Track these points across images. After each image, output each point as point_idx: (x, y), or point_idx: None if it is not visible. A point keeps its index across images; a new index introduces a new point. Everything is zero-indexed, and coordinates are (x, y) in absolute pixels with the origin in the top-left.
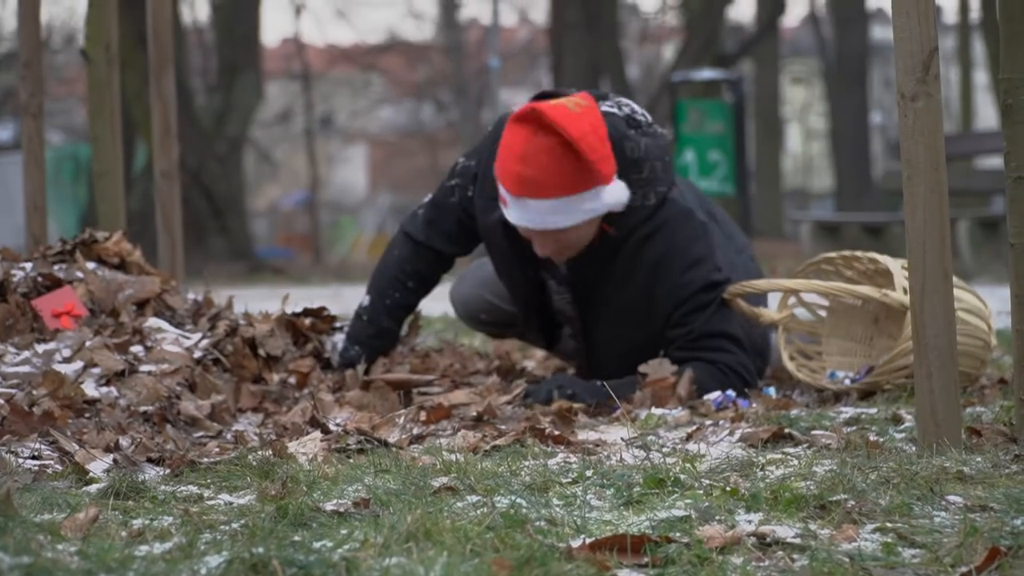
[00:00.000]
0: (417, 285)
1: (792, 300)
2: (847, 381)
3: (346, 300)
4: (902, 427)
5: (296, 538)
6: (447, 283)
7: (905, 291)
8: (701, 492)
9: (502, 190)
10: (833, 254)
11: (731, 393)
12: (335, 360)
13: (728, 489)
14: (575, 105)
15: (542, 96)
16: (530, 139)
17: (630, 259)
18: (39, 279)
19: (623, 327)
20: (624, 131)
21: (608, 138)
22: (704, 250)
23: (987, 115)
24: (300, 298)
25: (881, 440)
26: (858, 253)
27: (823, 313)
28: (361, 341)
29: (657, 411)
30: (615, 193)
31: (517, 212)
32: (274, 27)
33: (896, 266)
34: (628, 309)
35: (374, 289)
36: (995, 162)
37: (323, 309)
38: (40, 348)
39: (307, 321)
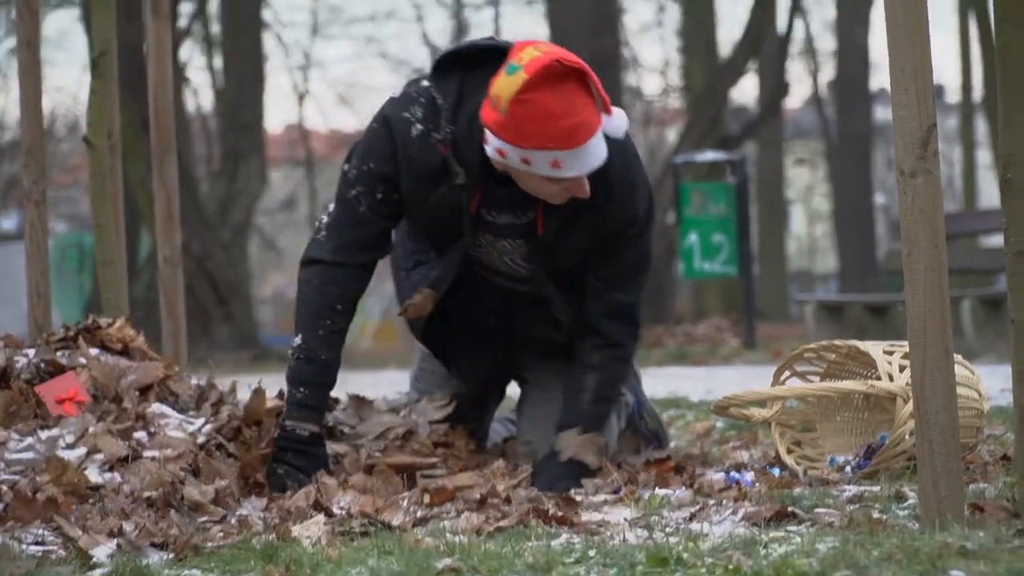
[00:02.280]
0: (345, 307)
1: (782, 390)
2: (848, 469)
3: (351, 386)
4: (905, 504)
5: None
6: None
7: (890, 377)
8: (704, 570)
9: (547, 156)
10: (813, 345)
11: (734, 474)
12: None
13: (731, 567)
14: (547, 45)
15: (477, 47)
16: (561, 90)
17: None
18: (42, 365)
19: (562, 278)
20: None
21: None
22: (643, 193)
23: (990, 194)
24: None
25: (884, 517)
26: (836, 342)
27: (812, 400)
28: (305, 381)
29: (660, 491)
30: (621, 121)
31: (575, 163)
32: (277, 113)
33: (878, 351)
34: (572, 251)
35: (303, 327)
36: (998, 240)
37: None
38: (43, 434)
39: None
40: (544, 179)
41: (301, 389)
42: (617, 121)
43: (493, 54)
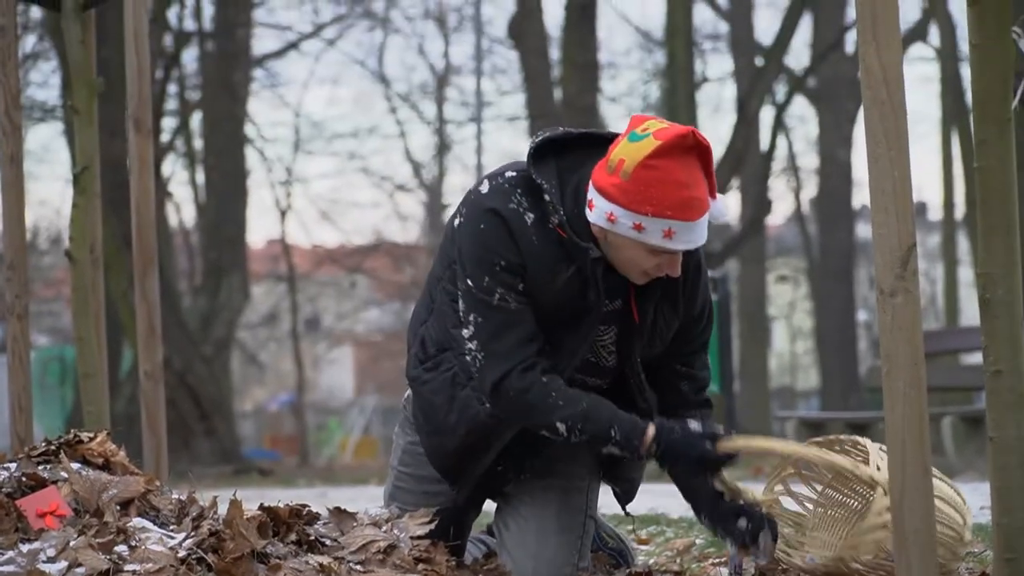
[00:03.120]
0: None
1: (779, 488)
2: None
3: (333, 501)
4: None
5: None
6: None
7: (879, 468)
8: None
9: (663, 224)
10: (819, 439)
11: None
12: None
13: None
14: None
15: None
16: (687, 162)
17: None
18: (23, 479)
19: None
20: None
21: None
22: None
23: (972, 311)
24: (286, 499)
25: None
26: (842, 436)
27: (810, 506)
28: (607, 421)
29: None
30: (725, 206)
31: (686, 236)
32: (260, 228)
33: (876, 448)
34: (657, 335)
35: (561, 410)
36: (978, 358)
37: (306, 506)
38: (24, 548)
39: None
40: (648, 251)
41: (612, 429)
42: (720, 206)
43: (582, 141)
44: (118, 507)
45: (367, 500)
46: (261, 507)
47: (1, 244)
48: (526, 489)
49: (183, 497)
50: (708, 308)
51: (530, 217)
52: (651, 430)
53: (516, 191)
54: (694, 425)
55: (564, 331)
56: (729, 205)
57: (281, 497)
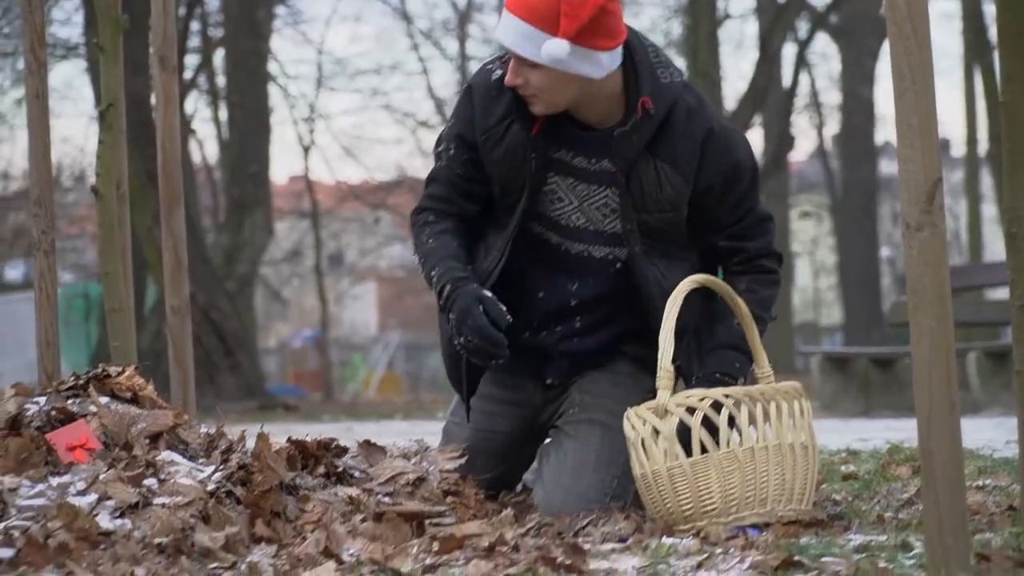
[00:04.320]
0: (437, 219)
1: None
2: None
3: (358, 436)
4: (911, 554)
5: None
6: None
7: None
8: None
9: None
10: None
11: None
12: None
13: None
14: None
15: None
16: None
17: (677, 136)
18: (53, 413)
19: (654, 235)
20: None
21: (602, 8)
22: (742, 138)
23: (996, 247)
24: (312, 434)
25: (890, 567)
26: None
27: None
28: (431, 264)
29: (668, 540)
30: (553, 46)
31: (501, 26)
32: (283, 165)
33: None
34: (669, 206)
35: (417, 249)
36: (1004, 293)
37: (334, 440)
38: (54, 481)
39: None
40: None
41: (435, 269)
42: (554, 45)
43: None
44: (147, 441)
45: (393, 435)
46: (289, 440)
47: (25, 181)
48: (572, 423)
49: (211, 431)
50: (739, 182)
51: (496, 73)
52: (448, 288)
53: (503, 55)
54: (492, 308)
55: (514, 199)
56: (559, 51)
57: (307, 432)
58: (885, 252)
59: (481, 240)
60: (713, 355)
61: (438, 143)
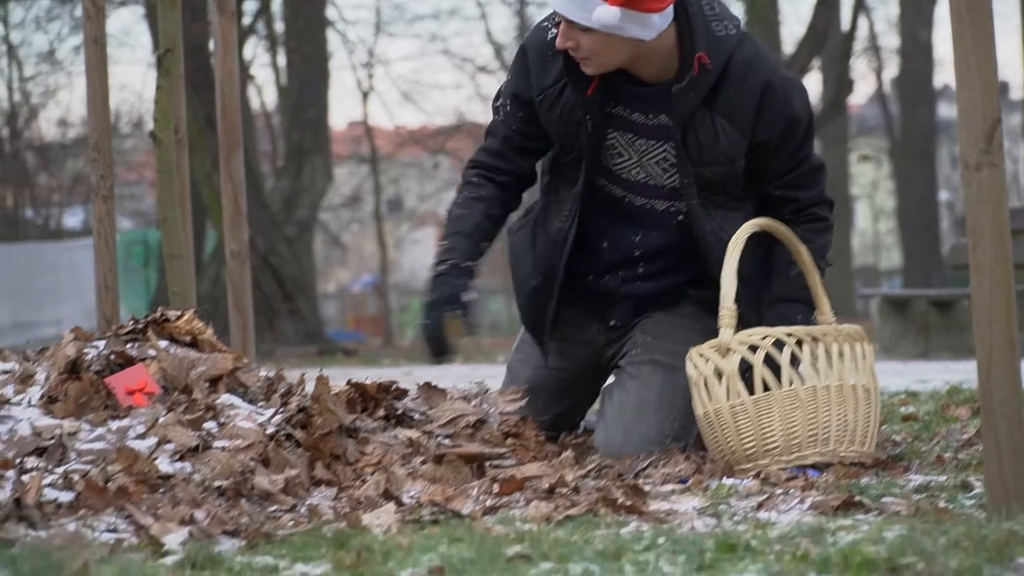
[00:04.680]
0: (482, 179)
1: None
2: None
3: (418, 379)
4: (971, 493)
5: None
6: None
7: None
8: (772, 557)
9: None
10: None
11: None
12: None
13: (799, 555)
14: None
15: None
16: None
17: (734, 90)
18: (112, 357)
19: (713, 188)
20: None
21: None
22: (799, 87)
23: None
24: (372, 377)
25: (951, 506)
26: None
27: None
28: (445, 235)
29: (728, 481)
30: (603, 12)
31: None
32: (342, 110)
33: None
34: (727, 159)
35: (451, 233)
36: None
37: (394, 383)
38: (114, 425)
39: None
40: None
41: (443, 241)
42: (604, 10)
43: None
44: (207, 384)
45: (453, 378)
46: (349, 383)
47: (84, 127)
48: (634, 364)
49: (271, 374)
50: (794, 134)
51: (552, 33)
52: (440, 268)
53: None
54: (469, 295)
55: (575, 158)
56: (610, 17)
57: (367, 375)
58: (944, 195)
59: (552, 195)
60: (773, 308)
61: (496, 97)
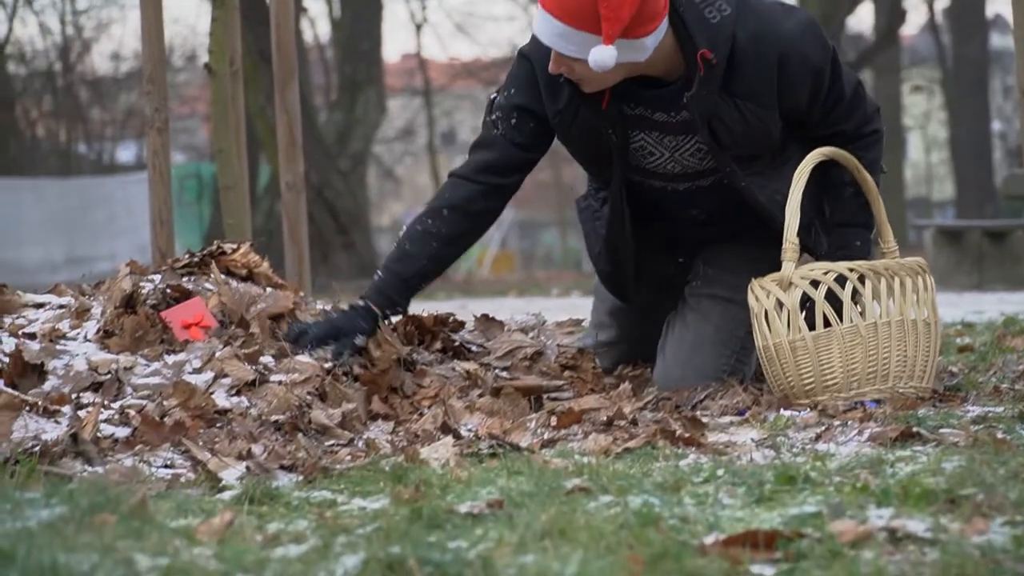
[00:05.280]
0: (452, 215)
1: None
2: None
3: (475, 312)
4: None
5: (431, 539)
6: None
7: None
8: (832, 489)
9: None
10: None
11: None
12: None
13: (858, 486)
14: None
15: None
16: None
17: (748, 71)
18: (168, 291)
19: (755, 158)
20: None
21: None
22: (812, 35)
23: None
24: (428, 311)
25: (1009, 437)
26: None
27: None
28: (384, 266)
29: (786, 413)
30: (600, 54)
31: (538, 23)
32: (394, 43)
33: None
34: (760, 134)
35: (412, 221)
36: None
37: (451, 315)
38: (170, 359)
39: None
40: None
41: (378, 272)
42: (600, 52)
43: None
44: (269, 321)
45: (508, 311)
46: (405, 316)
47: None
48: (695, 296)
49: (328, 308)
50: (821, 84)
51: None
52: (361, 301)
53: None
54: (360, 341)
55: (605, 166)
56: (608, 57)
57: (423, 308)
58: (996, 126)
59: (595, 190)
60: (831, 234)
61: (491, 110)
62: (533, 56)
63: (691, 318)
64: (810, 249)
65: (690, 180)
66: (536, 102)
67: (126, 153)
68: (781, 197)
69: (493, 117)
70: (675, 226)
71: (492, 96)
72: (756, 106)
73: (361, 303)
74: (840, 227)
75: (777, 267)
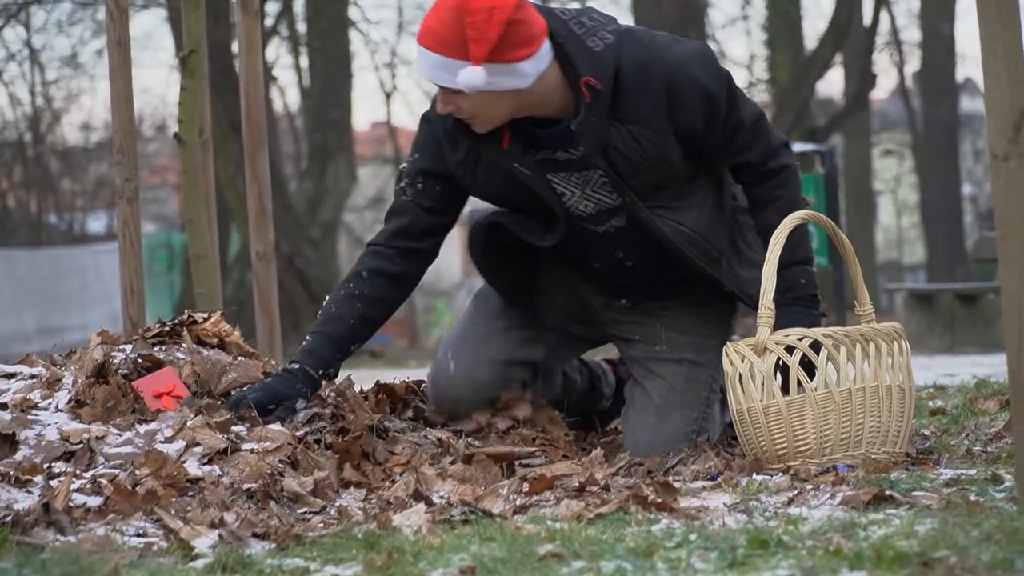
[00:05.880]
0: (372, 278)
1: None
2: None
3: None
4: (1002, 487)
5: None
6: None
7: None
8: (804, 552)
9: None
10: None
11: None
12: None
13: (831, 549)
14: None
15: None
16: (447, 3)
17: (635, 96)
18: (139, 361)
19: (660, 188)
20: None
21: (508, 22)
22: (700, 60)
23: None
24: (399, 378)
25: (982, 500)
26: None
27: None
28: (313, 330)
29: (758, 477)
30: (467, 75)
31: (417, 59)
32: (364, 111)
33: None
34: (658, 160)
35: (321, 326)
36: None
37: (422, 382)
38: (142, 429)
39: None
40: None
41: (308, 337)
42: (468, 73)
43: None
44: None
45: None
46: (377, 384)
47: (106, 132)
48: (656, 361)
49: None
50: (717, 109)
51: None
52: (293, 365)
53: None
54: (299, 404)
55: (521, 195)
56: (476, 78)
57: (394, 376)
58: (967, 189)
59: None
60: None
61: (399, 178)
62: (432, 116)
63: (654, 386)
64: (719, 283)
65: (605, 220)
66: (439, 163)
67: (97, 223)
68: (687, 229)
69: (402, 184)
70: (607, 269)
71: (402, 165)
72: (648, 130)
73: (295, 366)
74: (783, 269)
75: (725, 321)
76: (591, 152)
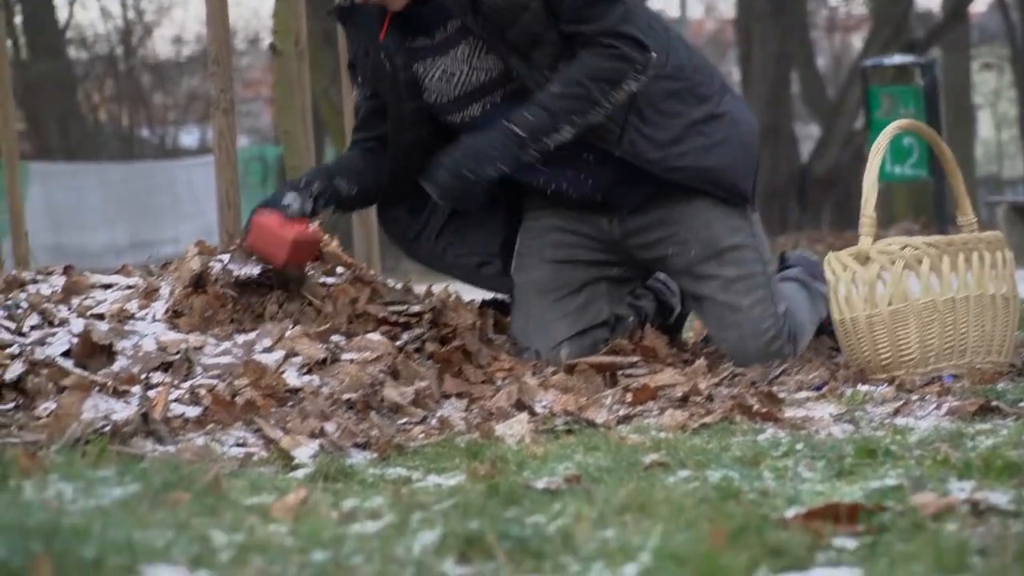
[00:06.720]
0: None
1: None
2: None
3: None
4: None
5: (509, 514)
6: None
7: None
8: (912, 462)
9: None
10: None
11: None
12: None
13: (939, 459)
14: None
15: None
16: None
17: None
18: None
19: (536, 42)
20: None
21: None
22: None
23: None
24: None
25: None
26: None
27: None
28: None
29: (863, 387)
30: None
31: None
32: None
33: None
34: (519, 8)
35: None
36: None
37: None
38: (240, 339)
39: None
40: None
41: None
42: None
43: None
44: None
45: None
46: (481, 302)
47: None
48: (697, 265)
49: (399, 286)
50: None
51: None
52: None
53: None
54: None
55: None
56: None
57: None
58: None
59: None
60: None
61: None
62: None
63: (710, 289)
64: (633, 154)
65: (484, 96)
66: (351, 51)
67: (188, 137)
68: (557, 88)
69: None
70: (561, 173)
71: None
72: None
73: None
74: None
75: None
76: (462, 9)
